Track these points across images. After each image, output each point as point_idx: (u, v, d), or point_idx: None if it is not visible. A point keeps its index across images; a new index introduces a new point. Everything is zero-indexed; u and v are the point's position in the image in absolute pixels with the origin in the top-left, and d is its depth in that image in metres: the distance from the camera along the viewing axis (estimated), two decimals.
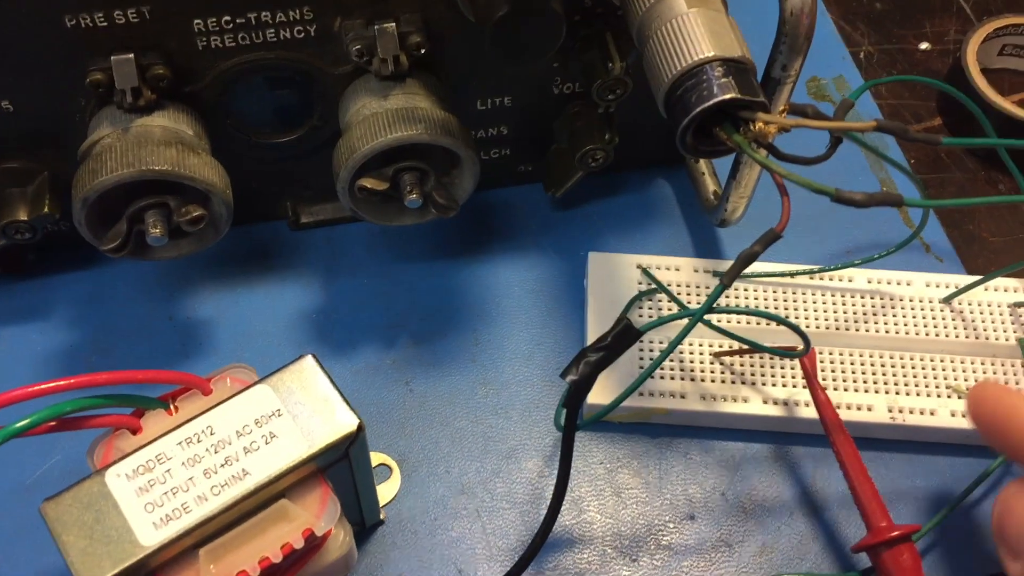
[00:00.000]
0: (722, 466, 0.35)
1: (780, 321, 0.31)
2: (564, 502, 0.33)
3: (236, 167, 0.35)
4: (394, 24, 0.32)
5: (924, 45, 0.47)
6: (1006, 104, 0.41)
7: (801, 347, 0.32)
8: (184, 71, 0.32)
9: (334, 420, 0.28)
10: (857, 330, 0.36)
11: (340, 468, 0.29)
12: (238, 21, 0.31)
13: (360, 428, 0.28)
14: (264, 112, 0.35)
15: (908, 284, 0.38)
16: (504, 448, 0.35)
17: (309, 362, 0.29)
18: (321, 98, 0.34)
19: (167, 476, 0.27)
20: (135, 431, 0.28)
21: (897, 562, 0.30)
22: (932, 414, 0.35)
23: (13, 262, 0.37)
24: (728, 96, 0.27)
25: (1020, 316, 0.37)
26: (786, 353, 0.33)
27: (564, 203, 0.41)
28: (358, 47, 0.32)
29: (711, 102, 0.27)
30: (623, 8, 0.31)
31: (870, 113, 0.44)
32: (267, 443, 0.27)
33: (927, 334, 0.36)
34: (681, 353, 0.35)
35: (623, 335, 0.28)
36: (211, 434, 0.27)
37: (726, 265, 0.37)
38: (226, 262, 0.39)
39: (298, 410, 0.28)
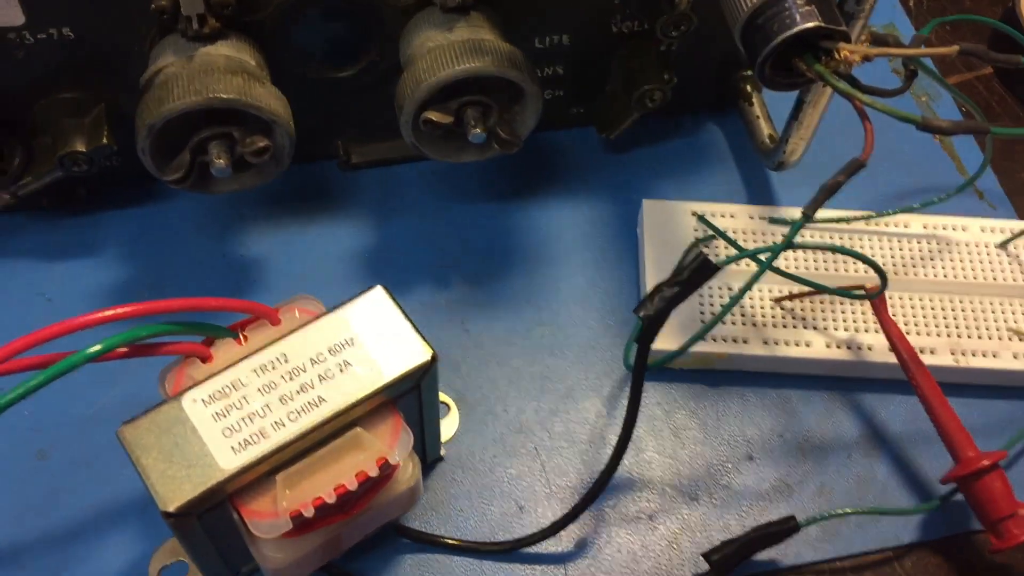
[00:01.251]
0: (778, 408, 0.35)
1: (857, 256, 0.30)
2: None
3: (292, 102, 0.35)
4: None
5: None
6: None
7: (871, 288, 0.32)
8: (247, 1, 0.31)
9: (408, 351, 0.28)
10: (916, 275, 0.36)
11: (408, 400, 0.29)
12: None
13: (434, 359, 0.28)
14: (324, 46, 0.35)
15: (964, 229, 0.37)
16: (562, 388, 0.35)
17: (380, 293, 0.29)
18: (381, 32, 0.34)
19: (243, 402, 0.26)
20: (206, 359, 0.28)
21: (989, 488, 0.30)
22: (995, 356, 0.35)
23: (66, 196, 0.37)
24: (812, 24, 0.27)
25: None
26: (861, 295, 0.33)
27: (615, 147, 0.41)
28: None
29: (795, 29, 0.27)
30: None
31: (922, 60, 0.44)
32: (342, 371, 0.27)
33: (984, 278, 0.36)
34: (743, 299, 0.35)
35: (700, 270, 0.28)
36: (285, 361, 0.27)
37: (782, 212, 0.37)
38: (278, 201, 0.38)
39: (372, 340, 0.28)
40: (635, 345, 0.29)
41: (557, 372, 0.35)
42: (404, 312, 0.28)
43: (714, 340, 0.34)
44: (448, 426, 0.34)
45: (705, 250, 0.36)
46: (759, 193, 0.40)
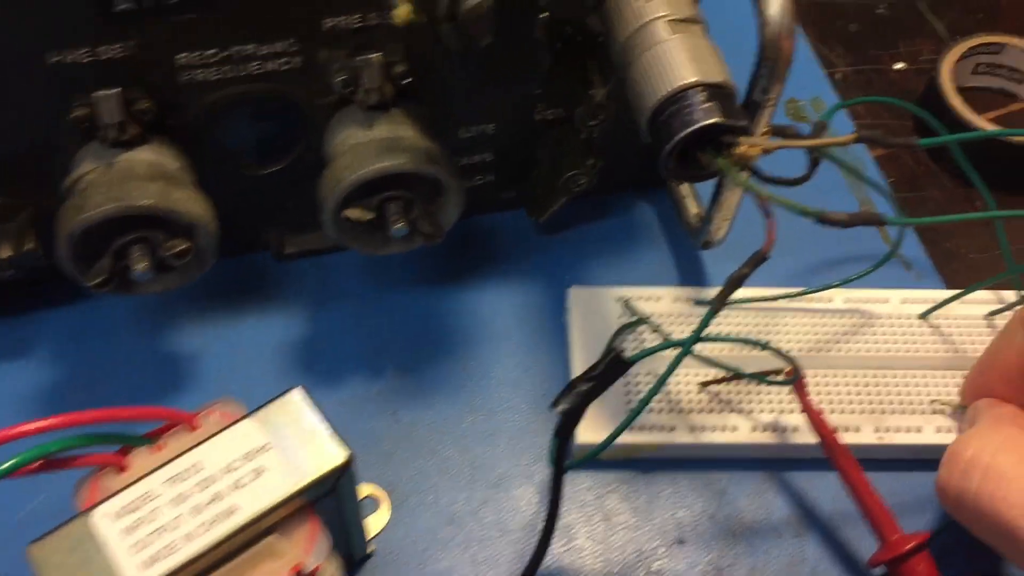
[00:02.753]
0: (710, 489, 0.35)
1: (767, 348, 0.31)
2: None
3: (221, 198, 0.35)
4: (379, 55, 0.32)
5: (899, 65, 0.47)
6: (980, 122, 0.42)
7: (788, 372, 0.32)
8: (169, 104, 0.32)
9: (323, 453, 0.28)
10: (839, 351, 0.37)
11: (329, 501, 0.29)
12: (223, 54, 0.31)
13: (349, 460, 0.28)
14: (249, 143, 0.35)
15: (885, 302, 0.38)
16: (492, 476, 0.35)
17: (298, 394, 0.29)
18: (306, 128, 0.34)
19: (154, 515, 0.26)
20: (121, 469, 0.28)
21: (915, 572, 0.30)
22: (918, 431, 0.35)
23: None
24: (712, 120, 0.27)
25: (996, 326, 0.37)
26: (779, 381, 0.33)
27: (548, 228, 0.41)
28: (343, 78, 0.32)
29: (695, 127, 0.27)
30: (605, 34, 0.31)
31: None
32: (255, 478, 0.27)
33: (907, 351, 0.37)
34: (667, 385, 0.35)
35: (613, 365, 0.28)
36: (198, 471, 0.27)
37: (708, 292, 0.38)
38: (211, 295, 0.39)
39: (287, 444, 0.28)
40: (556, 440, 0.29)
41: (488, 460, 0.35)
42: (321, 412, 0.28)
43: (641, 430, 0.34)
44: (378, 520, 0.34)
45: (630, 336, 0.36)
46: (690, 270, 0.40)
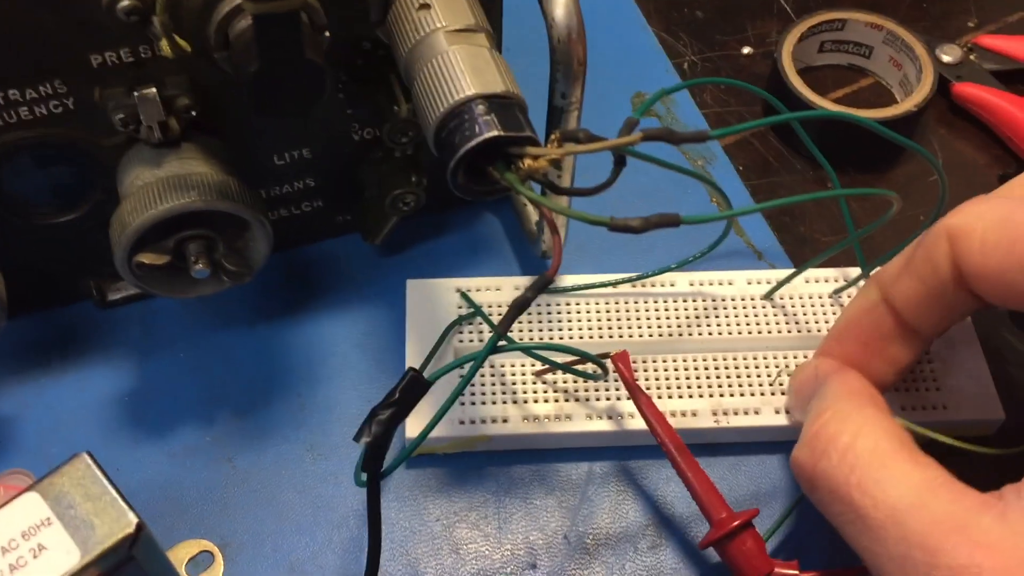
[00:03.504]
0: (563, 505, 0.34)
1: (574, 352, 0.30)
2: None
3: (23, 251, 0.33)
4: (155, 89, 0.30)
5: (747, 49, 0.46)
6: (822, 102, 0.41)
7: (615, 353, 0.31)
8: None
9: (111, 522, 0.26)
10: (682, 335, 0.36)
11: (131, 570, 0.27)
12: None
13: (139, 527, 0.26)
14: (42, 191, 0.33)
15: (730, 283, 0.37)
16: (335, 517, 0.33)
17: (83, 461, 0.27)
18: (99, 172, 0.32)
19: None
20: None
21: (741, 550, 0.29)
22: (756, 413, 0.34)
23: None
24: (491, 134, 0.26)
25: (842, 304, 0.37)
26: (587, 375, 0.32)
27: (388, 249, 0.39)
28: (121, 116, 0.30)
29: (474, 142, 0.26)
30: (392, 49, 0.30)
31: (696, 123, 0.44)
32: (35, 557, 0.25)
33: (751, 332, 0.36)
34: (503, 376, 0.34)
35: (411, 387, 0.27)
36: None
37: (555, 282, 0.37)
38: (29, 351, 0.36)
39: (70, 516, 0.26)
40: (363, 473, 0.28)
41: (330, 500, 0.34)
42: (108, 478, 0.27)
43: (474, 423, 0.33)
44: None
45: (468, 328, 0.35)
46: (536, 275, 0.39)
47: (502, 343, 0.27)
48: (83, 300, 0.37)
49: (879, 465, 0.26)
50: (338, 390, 0.36)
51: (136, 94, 0.30)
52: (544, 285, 0.26)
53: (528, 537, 0.33)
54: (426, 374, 0.28)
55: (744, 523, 0.29)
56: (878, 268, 0.31)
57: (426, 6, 0.28)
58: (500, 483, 0.34)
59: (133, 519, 0.26)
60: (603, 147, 0.26)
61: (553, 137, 0.28)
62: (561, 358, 0.33)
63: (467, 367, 0.29)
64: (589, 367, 0.33)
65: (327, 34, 0.29)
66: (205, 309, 0.38)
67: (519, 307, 0.26)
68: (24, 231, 0.33)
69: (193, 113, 0.31)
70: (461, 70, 0.27)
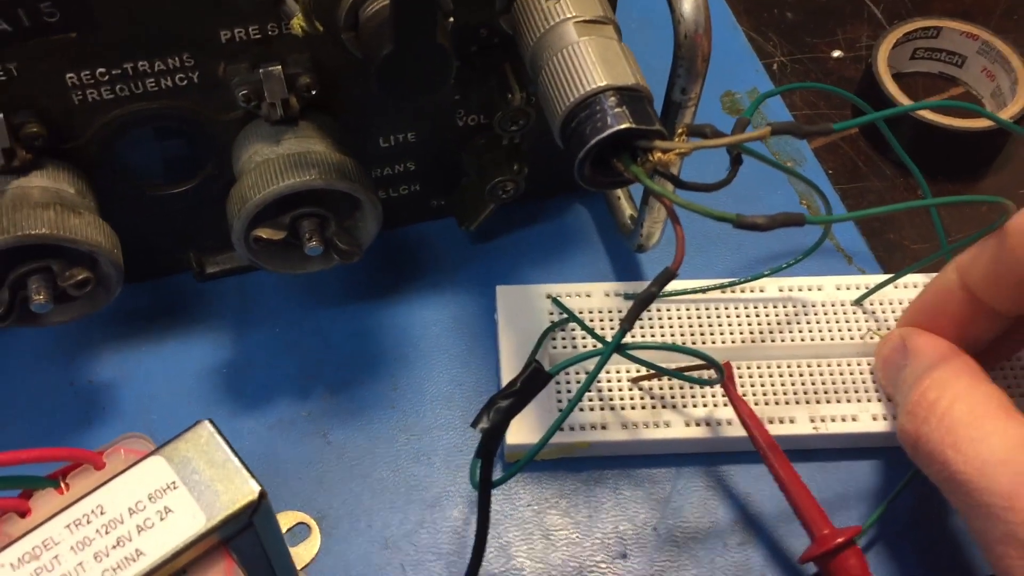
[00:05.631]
0: (652, 498, 0.34)
1: (691, 352, 0.30)
2: (491, 548, 0.33)
3: (131, 221, 0.34)
4: (280, 67, 0.30)
5: (837, 53, 0.46)
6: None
7: (715, 375, 0.31)
8: (61, 128, 0.30)
9: (234, 489, 0.26)
10: (773, 340, 0.36)
11: (248, 537, 0.27)
12: (114, 72, 0.30)
13: (262, 496, 0.26)
14: (155, 163, 0.34)
15: (819, 289, 0.37)
16: (428, 497, 0.34)
17: (206, 428, 0.28)
18: (213, 146, 0.33)
19: (55, 563, 0.25)
20: (24, 514, 0.27)
21: (844, 567, 0.30)
22: (854, 419, 0.34)
23: None
24: (622, 126, 0.26)
25: None
26: (701, 381, 0.32)
27: (481, 236, 0.40)
28: (245, 92, 0.31)
29: (605, 133, 0.26)
30: (516, 38, 0.30)
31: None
32: (162, 519, 0.26)
33: (841, 338, 0.36)
34: (599, 383, 0.34)
35: (532, 379, 0.27)
36: (101, 514, 0.26)
37: (638, 287, 0.37)
38: (130, 320, 0.37)
39: (195, 481, 0.26)
40: (479, 460, 0.28)
41: (423, 480, 0.34)
42: (231, 447, 0.27)
43: (572, 430, 0.33)
44: (308, 548, 0.33)
45: (560, 335, 0.35)
46: (627, 271, 0.39)
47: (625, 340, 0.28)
48: (183, 272, 0.38)
49: (976, 426, 0.27)
50: (429, 372, 0.37)
51: (261, 71, 0.30)
52: (667, 279, 0.26)
53: (618, 527, 0.34)
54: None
55: (847, 540, 0.30)
56: (958, 255, 0.32)
57: None
58: (590, 473, 0.35)
59: (256, 487, 0.26)
60: (732, 141, 0.27)
61: (680, 131, 0.28)
62: (669, 362, 0.33)
63: (573, 371, 0.30)
64: (695, 372, 0.33)
65: (451, 20, 0.29)
66: (300, 286, 0.38)
67: (643, 302, 0.26)
68: (134, 201, 0.34)
69: (313, 92, 0.31)
70: (592, 61, 0.27)
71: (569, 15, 0.28)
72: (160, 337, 0.37)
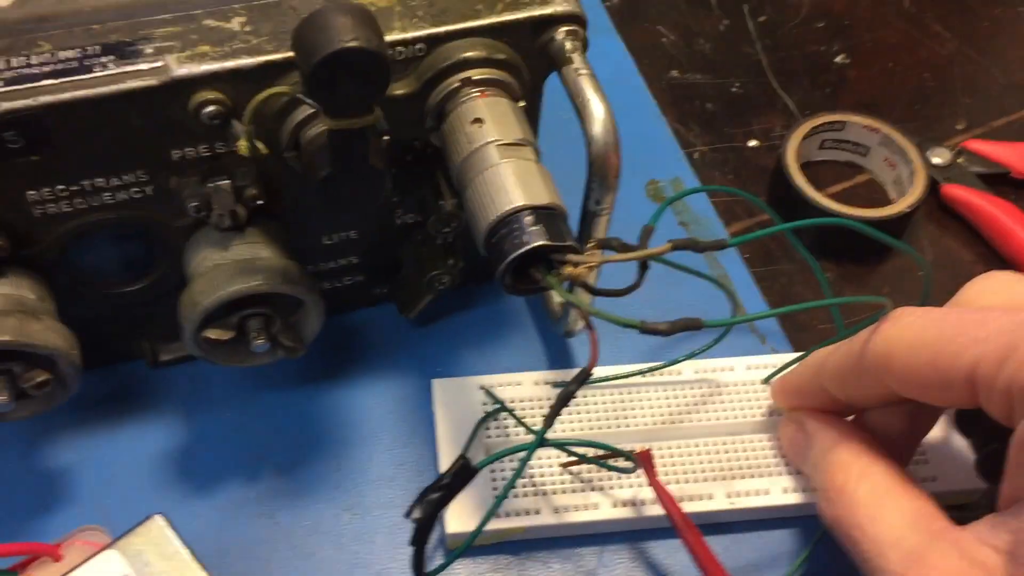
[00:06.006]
0: (580, 572, 0.37)
1: (605, 448, 0.33)
2: None
3: (87, 315, 0.36)
4: (228, 180, 0.33)
5: (753, 143, 0.50)
6: (821, 199, 0.45)
7: (630, 464, 0.34)
8: (21, 238, 0.33)
9: None
10: (690, 420, 0.39)
11: None
12: (72, 188, 0.32)
13: None
14: (110, 264, 0.36)
15: (732, 370, 0.40)
16: (370, 574, 0.36)
17: (158, 522, 0.30)
18: (166, 249, 0.35)
19: None
20: None
21: None
22: (766, 493, 0.37)
23: None
24: (538, 243, 0.29)
25: None
26: (619, 469, 0.35)
27: (420, 320, 0.42)
28: (195, 204, 0.33)
29: (522, 250, 0.29)
30: (444, 154, 0.33)
31: (705, 212, 0.47)
32: None
33: (752, 415, 0.39)
34: (531, 468, 0.37)
35: (460, 473, 0.30)
36: None
37: (568, 374, 0.40)
38: (87, 406, 0.39)
39: (149, 571, 0.29)
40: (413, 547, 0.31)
41: (365, 557, 0.37)
42: (181, 538, 0.29)
43: (507, 516, 0.36)
44: None
45: (494, 424, 0.38)
46: (558, 353, 0.42)
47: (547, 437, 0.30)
48: (136, 360, 0.40)
49: (876, 504, 0.30)
50: (371, 454, 0.39)
51: (211, 185, 0.33)
52: (584, 378, 0.29)
53: None
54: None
55: None
56: (819, 350, 0.35)
57: (479, 120, 0.32)
58: (522, 552, 0.37)
59: None
60: (637, 256, 0.30)
61: (590, 245, 0.31)
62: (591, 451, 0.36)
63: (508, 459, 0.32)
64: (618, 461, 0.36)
65: (386, 138, 0.32)
66: (247, 372, 0.41)
67: (563, 400, 0.29)
68: (90, 298, 0.36)
69: (259, 202, 0.34)
70: (512, 182, 0.30)
71: (491, 139, 0.31)
72: (115, 422, 0.39)
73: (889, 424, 0.34)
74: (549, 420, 0.29)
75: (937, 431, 0.38)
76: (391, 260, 0.40)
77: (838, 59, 0.54)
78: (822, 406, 0.35)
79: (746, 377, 0.40)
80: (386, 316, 0.42)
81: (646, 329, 0.29)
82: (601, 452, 0.35)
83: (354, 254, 0.40)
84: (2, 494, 0.37)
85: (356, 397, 0.40)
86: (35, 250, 0.33)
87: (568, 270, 0.29)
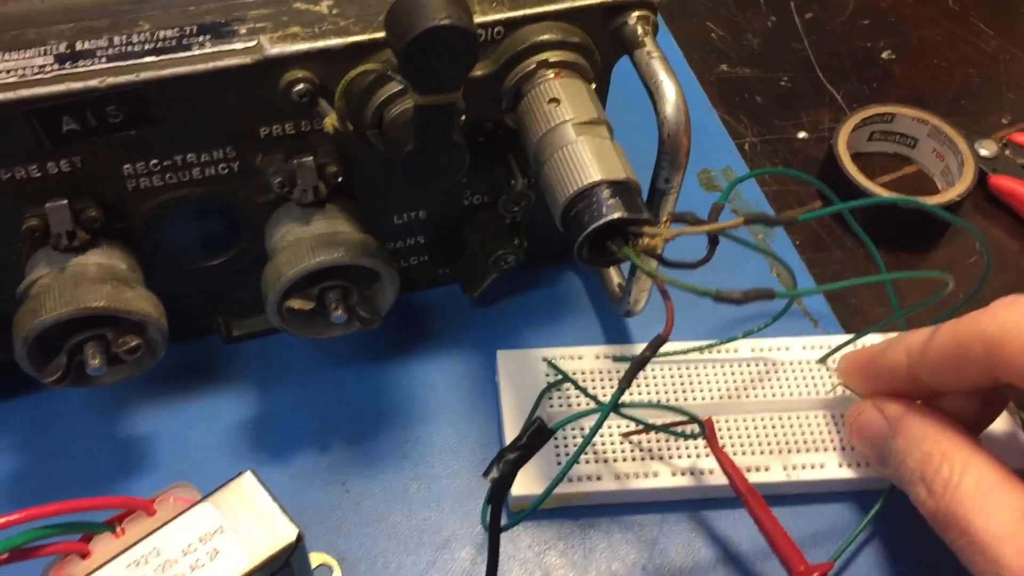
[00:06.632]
0: (641, 540, 0.38)
1: (676, 410, 0.34)
2: None
3: (169, 290, 0.37)
4: (311, 157, 0.34)
5: (802, 134, 0.51)
6: (873, 187, 0.46)
7: (697, 430, 0.35)
8: (115, 211, 0.34)
9: (275, 532, 0.30)
10: (747, 396, 0.40)
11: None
12: (165, 163, 0.34)
13: (299, 538, 0.30)
14: (193, 239, 0.38)
15: (787, 349, 0.41)
16: (438, 540, 0.37)
17: (248, 478, 0.31)
18: (247, 225, 0.37)
19: None
20: (84, 556, 0.30)
21: None
22: (821, 467, 0.38)
23: None
24: (615, 216, 0.30)
25: None
26: (685, 435, 0.36)
27: (482, 301, 0.44)
28: (279, 179, 0.35)
29: (600, 222, 0.30)
30: (520, 134, 0.34)
31: (756, 200, 0.48)
32: (212, 559, 0.29)
33: (808, 393, 0.40)
34: (593, 438, 0.38)
35: (537, 434, 0.31)
36: (158, 555, 0.29)
37: (627, 350, 0.41)
38: (163, 379, 0.41)
39: (240, 525, 0.30)
40: (489, 506, 0.32)
41: (433, 524, 0.38)
42: (271, 494, 0.31)
43: (570, 481, 0.37)
44: None
45: (556, 394, 0.39)
46: (616, 333, 0.43)
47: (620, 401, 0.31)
48: (211, 334, 0.41)
49: (983, 497, 0.30)
50: (438, 426, 0.40)
51: (295, 161, 0.34)
52: (659, 344, 0.30)
53: (611, 567, 0.37)
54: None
55: (822, 574, 0.33)
56: (907, 333, 0.35)
57: (555, 100, 0.33)
58: (584, 519, 0.38)
59: (294, 530, 0.30)
60: (711, 229, 0.31)
61: (665, 219, 0.32)
62: (656, 419, 0.37)
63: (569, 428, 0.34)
64: (680, 427, 0.37)
65: (463, 117, 0.33)
66: (318, 347, 0.42)
67: (639, 365, 0.30)
68: (173, 272, 0.38)
69: (339, 179, 0.35)
70: (589, 158, 0.31)
71: (567, 117, 0.33)
72: (191, 394, 0.40)
73: (962, 410, 0.34)
74: (625, 383, 0.30)
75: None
76: (456, 241, 0.42)
77: (884, 55, 0.55)
78: (897, 390, 0.35)
79: (802, 356, 0.41)
80: (449, 295, 0.44)
81: (721, 297, 0.30)
82: (667, 420, 0.36)
83: (422, 234, 0.41)
84: (83, 461, 0.38)
85: (421, 373, 0.42)
86: (126, 223, 0.35)
87: (646, 241, 0.30)
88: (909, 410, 0.35)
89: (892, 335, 0.41)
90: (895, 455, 0.34)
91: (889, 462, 0.34)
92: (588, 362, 0.40)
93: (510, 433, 0.38)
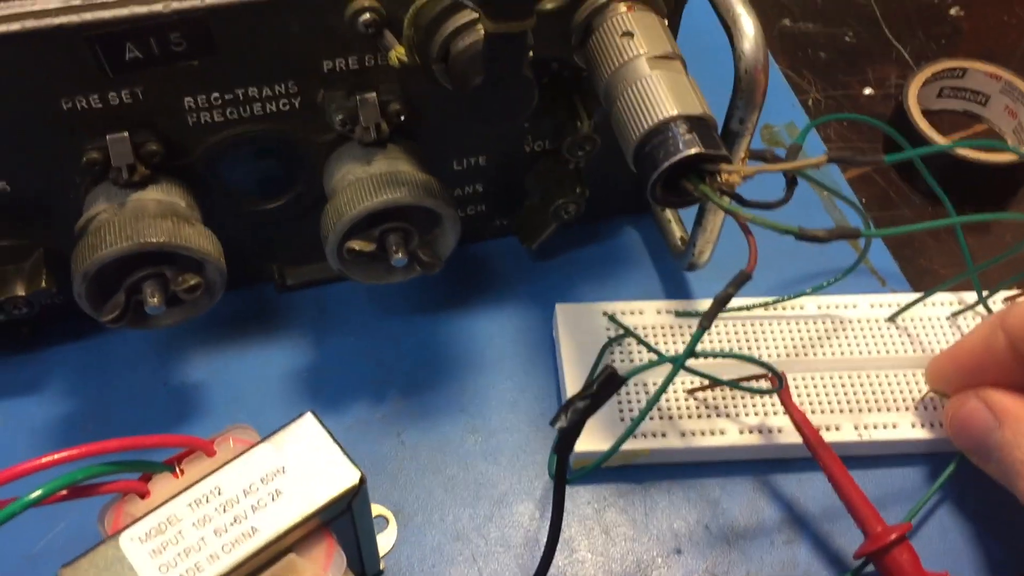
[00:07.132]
0: (703, 500, 0.37)
1: (754, 361, 0.33)
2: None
3: (226, 233, 0.36)
4: (375, 94, 0.33)
5: (868, 90, 0.50)
6: (945, 142, 0.44)
7: (772, 380, 0.34)
8: (175, 146, 0.33)
9: (336, 475, 0.29)
10: (815, 354, 0.38)
11: (343, 521, 0.30)
12: (226, 97, 0.33)
13: (362, 481, 0.29)
14: (252, 180, 0.37)
15: (855, 306, 0.40)
16: (496, 493, 0.37)
17: (309, 419, 0.30)
18: (306, 165, 0.36)
19: (179, 537, 0.27)
20: (143, 495, 0.29)
21: (898, 561, 0.32)
22: (895, 427, 0.37)
23: (8, 337, 0.38)
24: (693, 151, 0.29)
25: (958, 326, 0.39)
26: (761, 390, 0.35)
27: (540, 254, 0.43)
28: (341, 117, 0.34)
29: (677, 157, 0.29)
30: (590, 71, 0.33)
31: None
32: (273, 500, 0.28)
33: (877, 352, 0.39)
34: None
35: (608, 383, 0.30)
36: (219, 494, 0.28)
37: (688, 305, 0.40)
38: (217, 326, 0.40)
39: (301, 466, 0.29)
40: (555, 456, 0.31)
41: (490, 478, 0.37)
42: (333, 436, 0.30)
43: (634, 437, 0.36)
44: (387, 538, 0.35)
45: (617, 349, 0.38)
46: (676, 288, 0.42)
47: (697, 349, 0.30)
48: (265, 282, 0.41)
49: None
50: (494, 379, 0.39)
51: (358, 98, 0.33)
52: (743, 280, 0.29)
53: (672, 525, 0.36)
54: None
55: (900, 536, 0.32)
56: (1000, 313, 0.34)
57: (629, 34, 0.32)
58: (644, 477, 0.37)
59: (356, 472, 0.29)
60: (792, 167, 0.30)
61: (743, 156, 0.31)
62: (723, 374, 0.36)
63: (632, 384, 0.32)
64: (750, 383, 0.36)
65: (531, 54, 0.32)
66: (372, 298, 0.41)
67: (721, 302, 0.29)
68: (230, 215, 0.37)
69: (402, 118, 0.34)
70: (664, 92, 0.30)
71: (641, 51, 0.31)
72: (245, 343, 0.40)
73: None
74: (707, 321, 0.29)
75: None
76: (515, 190, 0.41)
77: (952, 11, 0.54)
78: (1000, 380, 0.33)
79: (870, 315, 0.40)
80: (506, 248, 0.43)
81: (804, 235, 0.29)
82: (734, 376, 0.35)
83: (481, 181, 0.40)
84: (140, 404, 0.38)
85: (478, 325, 0.41)
86: (186, 160, 0.34)
87: (724, 177, 0.29)
88: (1016, 400, 0.33)
89: (965, 295, 0.40)
90: (1001, 447, 0.32)
91: (993, 455, 0.33)
92: (649, 317, 0.39)
93: (571, 388, 0.37)
